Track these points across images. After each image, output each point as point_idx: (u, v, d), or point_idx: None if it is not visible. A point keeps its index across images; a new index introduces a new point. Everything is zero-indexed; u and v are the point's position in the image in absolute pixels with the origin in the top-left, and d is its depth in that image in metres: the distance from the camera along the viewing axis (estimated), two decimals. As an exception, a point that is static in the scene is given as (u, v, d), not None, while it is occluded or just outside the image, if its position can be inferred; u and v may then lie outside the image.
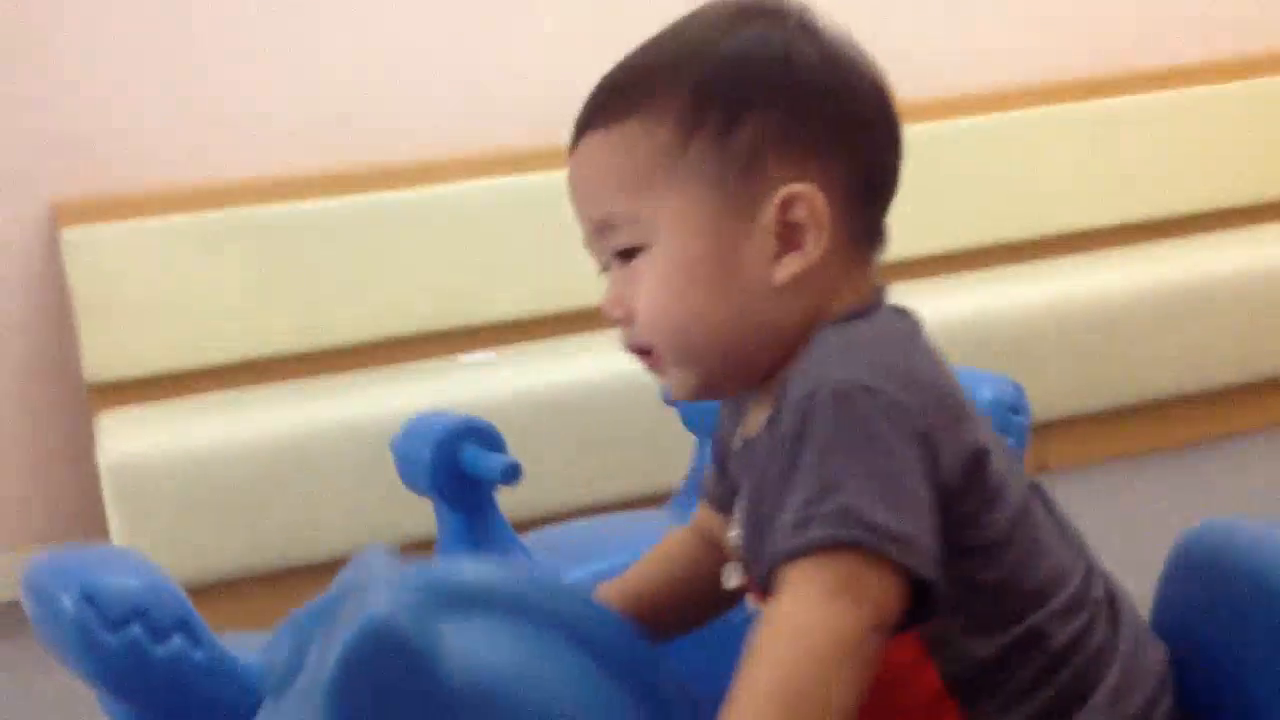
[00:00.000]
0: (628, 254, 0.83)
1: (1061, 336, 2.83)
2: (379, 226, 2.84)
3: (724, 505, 0.91)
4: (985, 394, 1.40)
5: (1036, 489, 0.83)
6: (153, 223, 2.72)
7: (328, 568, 2.38)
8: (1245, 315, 2.95)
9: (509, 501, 1.48)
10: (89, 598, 1.16)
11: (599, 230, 0.84)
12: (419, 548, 2.27)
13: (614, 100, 0.83)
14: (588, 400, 2.55)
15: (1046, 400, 2.49)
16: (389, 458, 1.52)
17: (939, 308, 2.83)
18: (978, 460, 0.77)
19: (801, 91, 0.81)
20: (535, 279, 2.91)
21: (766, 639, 0.69)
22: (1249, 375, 2.97)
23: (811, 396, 0.73)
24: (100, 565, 1.20)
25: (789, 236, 0.80)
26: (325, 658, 0.69)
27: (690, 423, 1.59)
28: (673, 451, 1.81)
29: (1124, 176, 3.29)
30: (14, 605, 2.73)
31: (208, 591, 2.23)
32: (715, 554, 0.92)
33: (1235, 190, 3.35)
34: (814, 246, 0.80)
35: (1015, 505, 0.78)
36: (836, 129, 0.81)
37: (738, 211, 0.80)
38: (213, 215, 2.76)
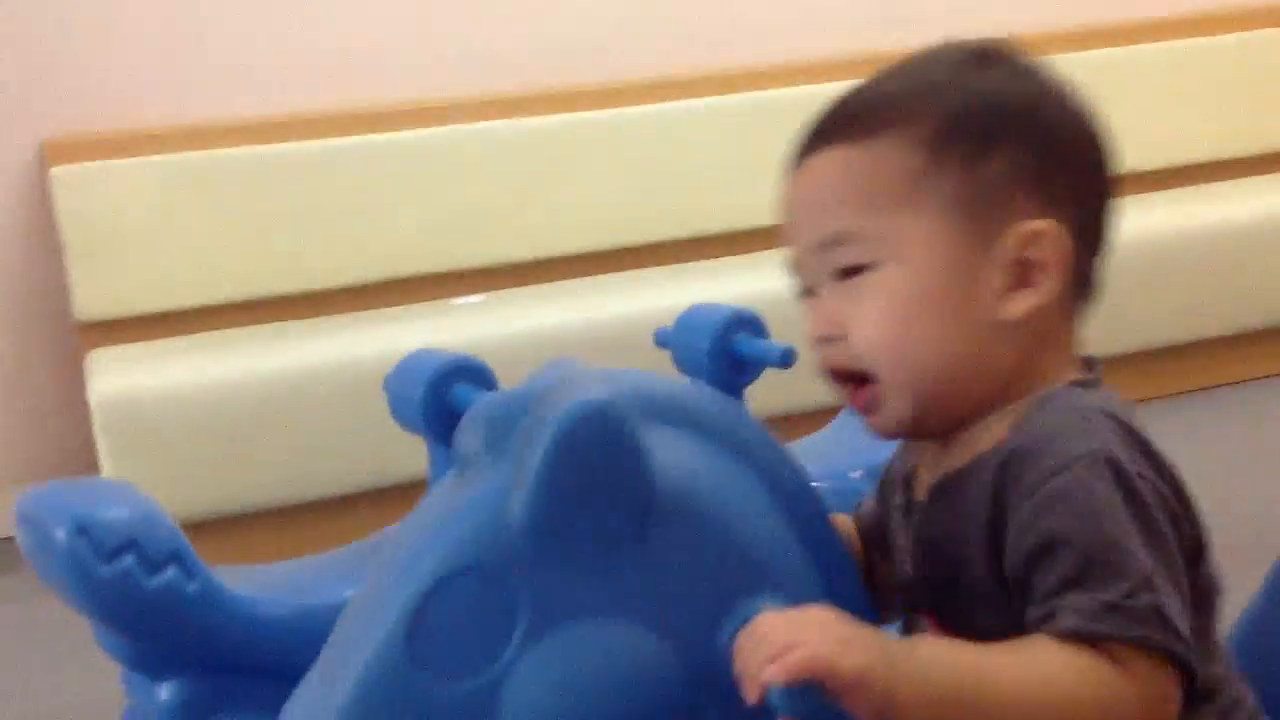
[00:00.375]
0: (850, 273, 0.81)
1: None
2: (372, 168, 2.83)
3: (871, 532, 0.91)
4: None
5: (1218, 591, 0.82)
6: (144, 161, 2.71)
7: (318, 506, 2.42)
8: (1234, 266, 2.95)
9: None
10: (83, 529, 1.17)
11: (825, 245, 0.81)
12: (410, 488, 2.28)
13: (862, 118, 0.82)
14: (579, 345, 2.55)
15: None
16: (380, 398, 1.53)
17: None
18: (1200, 550, 0.77)
19: (1049, 134, 0.82)
20: (527, 224, 2.91)
21: (1071, 670, 0.69)
22: (1239, 326, 2.98)
23: (1081, 471, 0.72)
24: (94, 497, 1.21)
25: (1022, 273, 0.79)
26: (538, 436, 0.69)
27: (684, 365, 1.60)
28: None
29: (1117, 127, 3.28)
30: (6, 541, 2.74)
31: (198, 529, 2.22)
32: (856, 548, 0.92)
33: (1224, 143, 3.35)
34: (1050, 285, 0.80)
35: (1211, 604, 0.79)
36: (1077, 174, 0.82)
37: (978, 241, 0.79)
38: (204, 155, 2.75)
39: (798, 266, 0.85)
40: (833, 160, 0.82)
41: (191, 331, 2.70)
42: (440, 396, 1.40)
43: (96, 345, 2.65)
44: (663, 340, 1.61)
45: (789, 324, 1.88)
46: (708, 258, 2.96)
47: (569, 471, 0.69)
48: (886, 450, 1.59)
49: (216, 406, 2.38)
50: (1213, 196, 3.17)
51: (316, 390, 2.41)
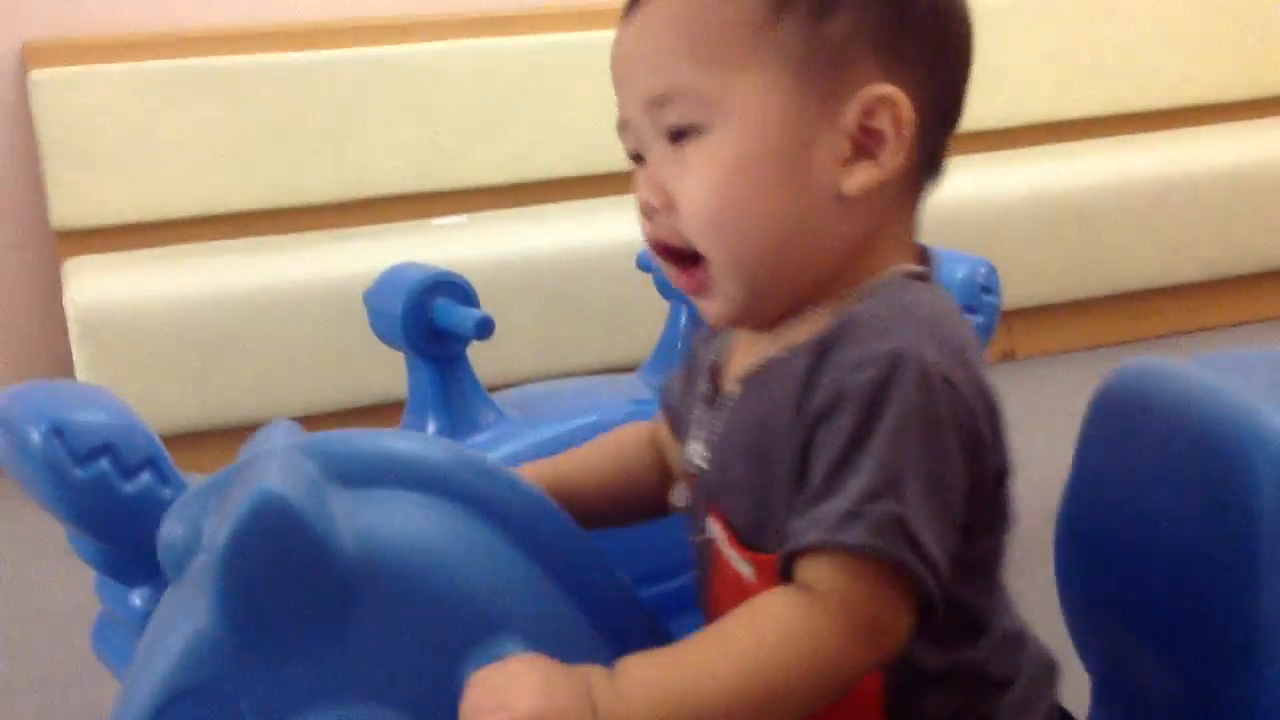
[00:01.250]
0: (679, 135, 0.74)
1: (1036, 225, 2.83)
2: (358, 83, 2.81)
3: (679, 423, 0.86)
4: (958, 272, 1.41)
5: (1011, 523, 0.79)
6: (125, 68, 2.68)
7: (300, 422, 2.40)
8: (1221, 210, 2.96)
9: (478, 365, 1.48)
10: (57, 431, 1.16)
11: (652, 104, 0.75)
12: (388, 407, 2.28)
13: None
14: (560, 267, 2.55)
15: (1018, 288, 2.50)
16: (358, 317, 1.51)
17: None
18: (1001, 479, 0.74)
19: None
20: (513, 145, 2.89)
21: (779, 620, 0.67)
22: (1222, 270, 2.99)
23: (896, 368, 0.67)
24: (70, 400, 1.20)
25: (864, 143, 0.73)
26: (215, 536, 0.67)
27: (664, 287, 1.59)
28: (644, 320, 1.81)
29: (1106, 67, 3.28)
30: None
31: (173, 442, 2.22)
32: (662, 463, 0.89)
33: (1217, 85, 3.34)
34: (891, 158, 0.73)
35: (1007, 534, 0.76)
36: (930, 41, 0.75)
37: (818, 106, 0.72)
38: (187, 63, 2.72)
39: (626, 127, 0.78)
40: (664, 8, 0.75)
41: (170, 243, 2.68)
42: (421, 311, 1.39)
43: (73, 254, 2.63)
44: (645, 263, 1.56)
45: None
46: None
47: (249, 570, 0.66)
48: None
49: (194, 319, 2.37)
50: (1204, 138, 3.17)
51: (295, 306, 2.40)
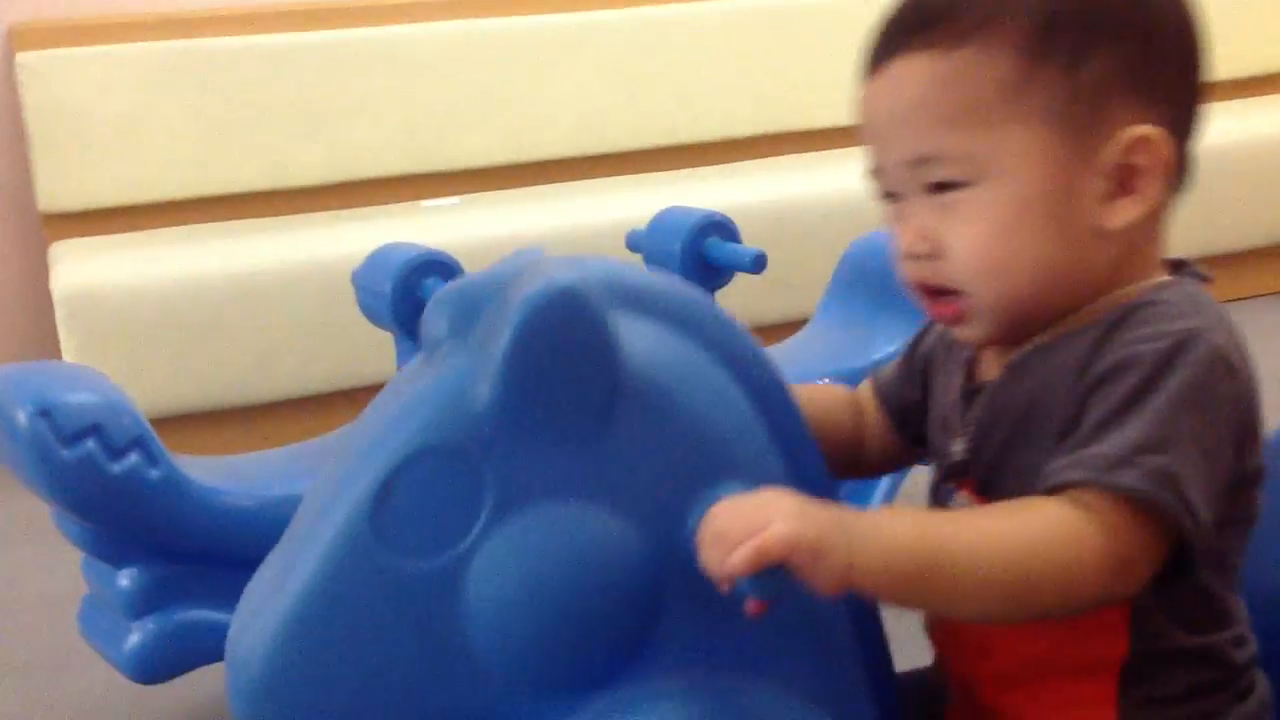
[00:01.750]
0: (942, 186, 0.76)
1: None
2: (346, 64, 2.79)
3: (897, 401, 0.90)
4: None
5: (1255, 521, 0.81)
6: (112, 50, 2.66)
7: (283, 406, 2.40)
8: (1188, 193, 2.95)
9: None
10: (45, 412, 1.15)
11: (914, 163, 0.76)
12: (377, 389, 2.27)
13: (941, 22, 0.75)
14: (550, 247, 2.52)
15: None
16: (348, 299, 1.51)
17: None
18: (1256, 479, 0.76)
19: (1151, 29, 0.76)
20: (504, 126, 2.88)
21: (1060, 527, 0.69)
22: (1195, 251, 2.99)
23: (1190, 342, 0.71)
24: (58, 381, 1.20)
25: (1123, 179, 0.75)
26: (505, 318, 0.69)
27: (654, 267, 1.59)
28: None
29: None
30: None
31: (161, 425, 2.21)
32: (860, 425, 0.92)
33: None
34: (1152, 191, 0.75)
35: (1245, 531, 0.78)
36: (1176, 70, 0.77)
37: (1079, 150, 0.74)
38: (175, 44, 2.70)
39: (879, 174, 0.80)
40: (916, 69, 0.76)
41: (158, 225, 2.67)
42: (410, 290, 1.39)
43: (61, 237, 2.61)
44: (634, 243, 1.60)
45: (761, 233, 1.87)
46: (683, 166, 2.94)
47: (535, 353, 0.69)
48: (852, 359, 1.59)
49: (182, 302, 2.35)
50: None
51: (284, 288, 2.38)
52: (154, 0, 2.78)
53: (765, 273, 1.54)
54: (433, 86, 2.83)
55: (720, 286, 1.57)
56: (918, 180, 0.77)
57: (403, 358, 1.46)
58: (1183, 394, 0.70)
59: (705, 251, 1.53)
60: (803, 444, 0.81)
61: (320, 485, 0.74)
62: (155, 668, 1.30)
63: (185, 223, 2.69)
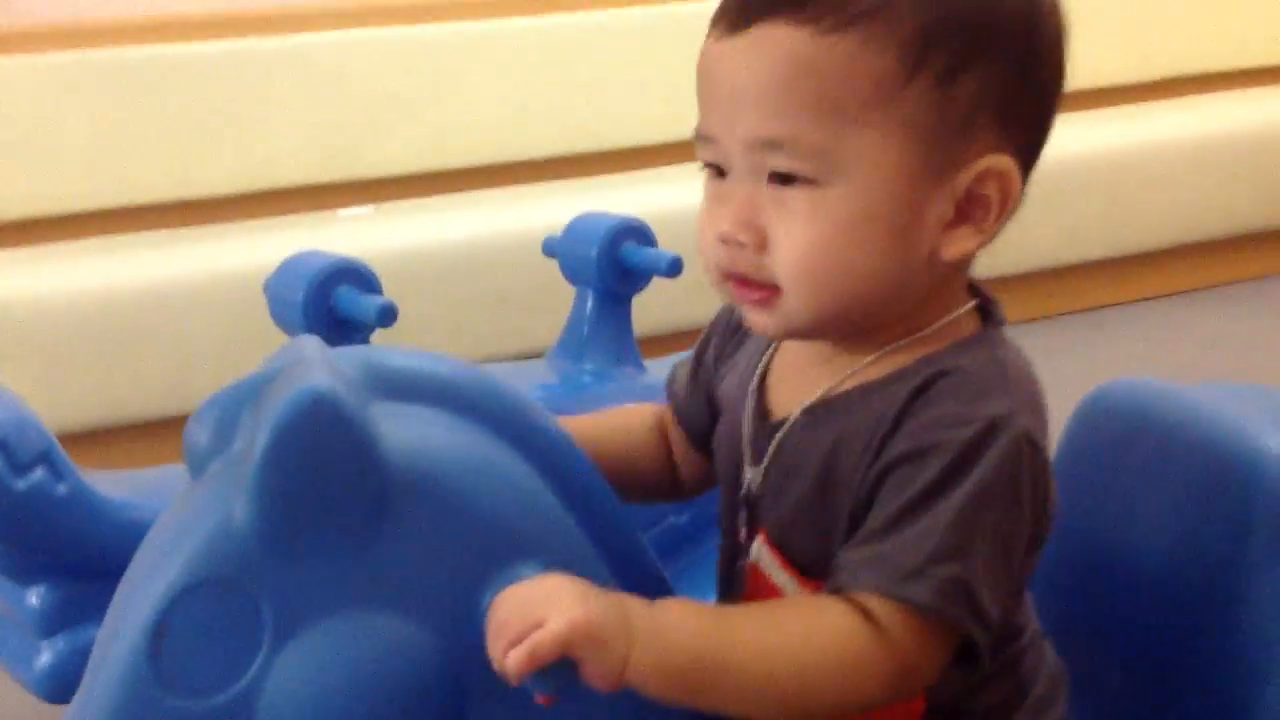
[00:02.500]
0: (783, 178, 0.71)
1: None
2: (259, 73, 2.76)
3: (693, 424, 0.87)
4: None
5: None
6: (15, 61, 2.61)
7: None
8: (1123, 189, 3.01)
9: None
10: (-54, 429, 1.13)
11: (759, 144, 0.71)
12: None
13: None
14: (467, 255, 2.53)
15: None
16: (261, 310, 1.49)
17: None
18: (1049, 524, 0.76)
19: (1032, 54, 0.72)
20: (417, 134, 2.86)
21: (839, 630, 0.68)
22: (1130, 247, 3.05)
23: (993, 434, 0.68)
24: (-42, 396, 1.18)
25: (968, 210, 0.72)
26: (257, 429, 0.66)
27: (571, 273, 1.59)
28: (551, 306, 1.81)
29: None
30: None
31: (74, 440, 2.18)
32: (666, 449, 0.90)
33: (1113, 68, 3.38)
34: (993, 225, 0.73)
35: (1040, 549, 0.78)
36: (1045, 98, 0.74)
37: (935, 173, 0.70)
38: (85, 55, 2.65)
39: (710, 143, 0.74)
40: (786, 42, 0.69)
41: (69, 238, 2.62)
42: (323, 299, 1.37)
43: (-33, 250, 2.57)
44: (550, 249, 1.60)
45: (679, 238, 1.88)
46: (599, 172, 2.93)
47: (290, 469, 0.66)
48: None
49: (94, 314, 2.32)
50: (1107, 120, 3.21)
51: (198, 299, 2.36)
52: (58, 10, 2.73)
53: (683, 277, 1.54)
54: (346, 94, 2.82)
55: (637, 291, 1.57)
56: (756, 164, 0.72)
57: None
58: (982, 489, 0.68)
59: (622, 256, 1.53)
60: (607, 513, 0.78)
61: (106, 622, 0.72)
62: (67, 686, 1.27)
63: (97, 234, 2.64)
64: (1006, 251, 2.61)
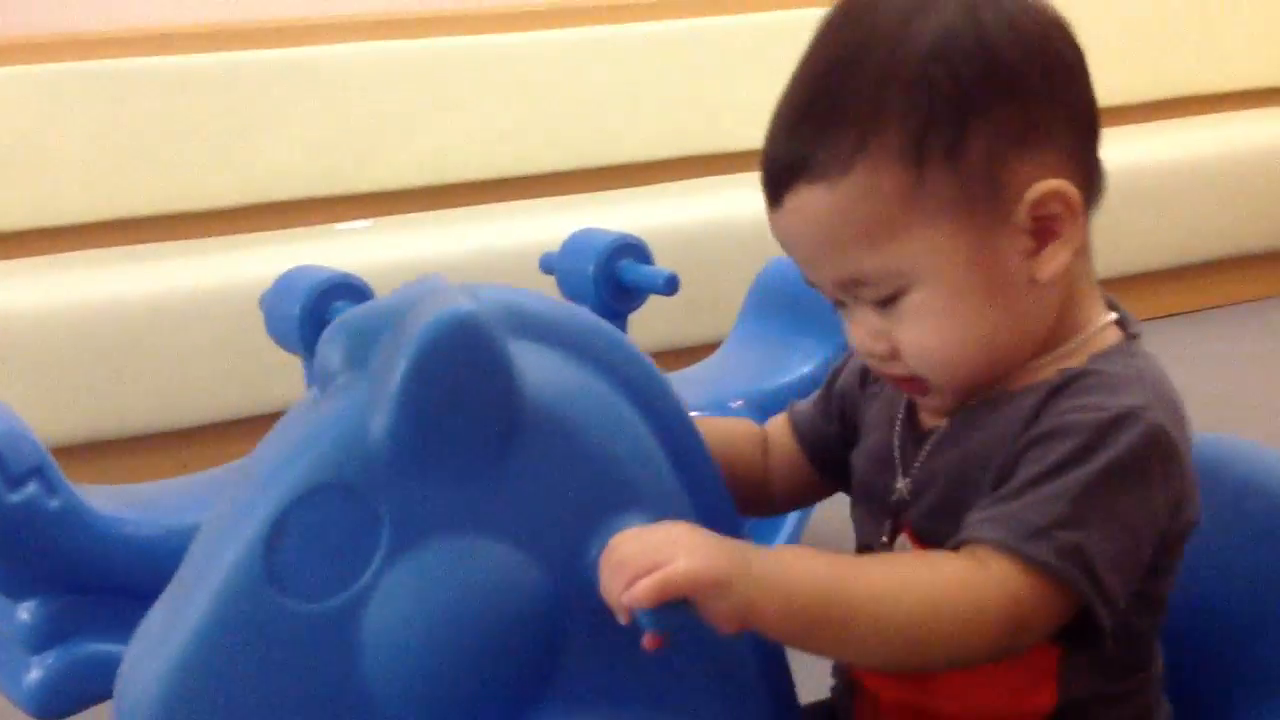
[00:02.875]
0: (880, 301, 0.77)
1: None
2: (258, 86, 2.76)
3: (818, 444, 0.90)
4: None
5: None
6: (17, 71, 2.62)
7: (194, 432, 2.37)
8: (1111, 214, 3.00)
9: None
10: (-60, 441, 1.13)
11: (842, 286, 0.78)
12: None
13: (819, 154, 0.75)
14: (464, 270, 2.53)
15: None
16: (257, 322, 1.49)
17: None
18: (1189, 531, 0.77)
19: (1011, 75, 0.75)
20: (416, 149, 2.87)
21: (965, 578, 0.70)
22: (1117, 270, 3.05)
23: (1127, 419, 0.71)
24: (-48, 409, 1.17)
25: (1042, 230, 0.76)
26: (400, 349, 0.67)
27: (569, 290, 1.59)
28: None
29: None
30: None
31: (70, 453, 2.18)
32: (767, 460, 0.92)
33: (1099, 92, 3.40)
34: (1074, 233, 0.76)
35: (1177, 573, 0.79)
36: (1054, 106, 0.77)
37: (991, 224, 0.75)
38: (83, 66, 2.66)
39: (818, 286, 0.81)
40: (812, 202, 0.76)
41: (67, 249, 2.62)
42: (319, 313, 1.38)
43: (-38, 261, 2.57)
44: (547, 266, 1.60)
45: (675, 256, 1.88)
46: (597, 188, 2.94)
47: (432, 385, 0.67)
48: (767, 381, 1.60)
49: (91, 327, 2.32)
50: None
51: (195, 313, 2.36)
52: (59, 21, 2.73)
53: (679, 295, 1.54)
54: (344, 108, 2.82)
55: (633, 309, 1.57)
56: (853, 295, 0.78)
57: (312, 381, 1.44)
58: (1112, 470, 0.71)
59: (618, 274, 1.53)
60: (707, 476, 0.80)
61: (212, 523, 0.72)
62: (58, 703, 1.26)
63: (95, 246, 2.64)
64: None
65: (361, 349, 0.72)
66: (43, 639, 1.25)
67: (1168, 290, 3.13)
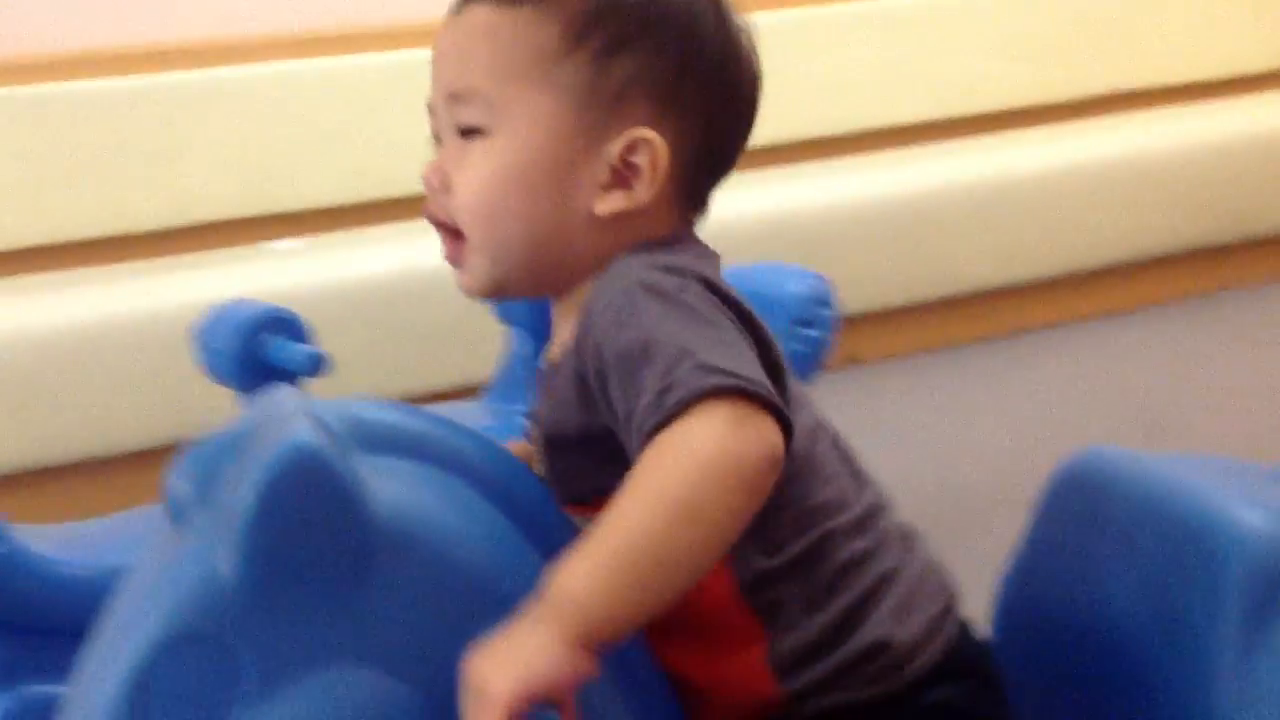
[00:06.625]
0: (468, 133, 0.85)
1: (874, 230, 2.89)
2: (184, 107, 2.74)
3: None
4: (792, 287, 1.43)
5: (823, 423, 0.86)
6: (-70, 98, 2.58)
7: (124, 460, 2.34)
8: (1047, 212, 3.05)
9: (319, 394, 1.45)
10: None
11: (450, 98, 0.86)
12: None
13: None
14: (399, 290, 2.52)
15: (859, 292, 2.53)
16: (190, 348, 1.48)
17: (747, 201, 2.86)
18: (779, 367, 0.79)
19: (690, 47, 0.84)
20: (348, 165, 2.85)
21: (660, 458, 0.71)
22: (1050, 270, 3.08)
23: (625, 294, 0.77)
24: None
25: (623, 175, 0.84)
26: (242, 486, 0.66)
27: (503, 314, 1.59)
28: (484, 344, 1.80)
29: (933, 73, 3.35)
30: None
31: (-1, 485, 2.15)
32: None
33: (1041, 88, 3.43)
34: (641, 192, 0.84)
35: (803, 426, 0.81)
36: (706, 95, 0.85)
37: (587, 135, 0.83)
38: (4, 91, 2.63)
39: (432, 111, 0.90)
40: (478, 16, 0.85)
41: (-13, 277, 2.59)
42: (253, 349, 1.37)
43: (-115, 292, 2.52)
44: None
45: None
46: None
47: (275, 522, 0.66)
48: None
49: (13, 355, 2.29)
50: (1025, 142, 3.25)
51: (121, 339, 2.34)
52: (-23, 45, 2.70)
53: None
54: (272, 126, 2.80)
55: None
56: (450, 119, 0.87)
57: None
58: (651, 324, 0.75)
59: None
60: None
61: (79, 679, 0.71)
62: (8, 746, 1.25)
63: (17, 273, 2.61)
64: (939, 274, 2.67)
65: (209, 482, 0.70)
66: (-7, 682, 1.24)
67: (1102, 289, 3.17)
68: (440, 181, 0.87)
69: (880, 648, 0.81)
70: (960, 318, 2.98)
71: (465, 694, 0.67)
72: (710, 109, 0.85)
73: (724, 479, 0.70)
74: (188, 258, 2.67)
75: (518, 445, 0.95)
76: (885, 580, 0.82)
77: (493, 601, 0.72)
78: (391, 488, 0.71)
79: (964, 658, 0.83)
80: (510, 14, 0.84)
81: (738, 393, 0.71)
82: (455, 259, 0.88)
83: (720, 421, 0.70)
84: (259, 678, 0.67)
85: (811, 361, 1.40)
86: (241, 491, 0.66)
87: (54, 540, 1.30)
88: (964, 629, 0.85)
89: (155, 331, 2.33)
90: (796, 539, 0.80)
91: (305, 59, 2.85)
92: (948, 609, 0.85)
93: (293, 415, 0.69)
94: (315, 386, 1.42)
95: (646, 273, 0.79)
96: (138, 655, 0.66)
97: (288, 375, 1.39)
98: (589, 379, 0.78)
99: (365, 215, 2.85)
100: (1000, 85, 3.39)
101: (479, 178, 0.85)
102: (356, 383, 2.35)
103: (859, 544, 0.82)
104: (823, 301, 1.44)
